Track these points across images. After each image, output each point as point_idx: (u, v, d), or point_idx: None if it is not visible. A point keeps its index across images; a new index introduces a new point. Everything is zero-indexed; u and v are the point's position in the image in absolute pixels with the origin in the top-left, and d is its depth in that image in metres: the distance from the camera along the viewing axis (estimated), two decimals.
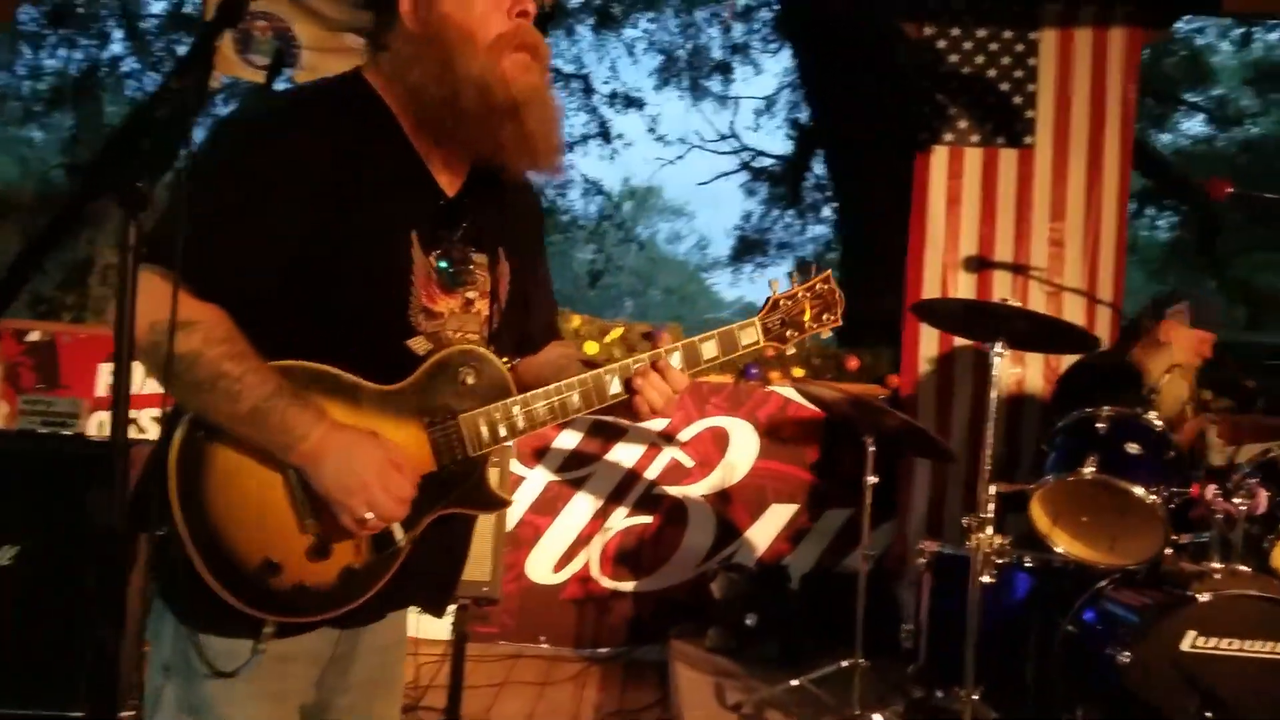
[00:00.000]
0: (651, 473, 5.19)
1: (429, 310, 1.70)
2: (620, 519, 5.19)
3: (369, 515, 1.59)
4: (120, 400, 1.26)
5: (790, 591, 4.80)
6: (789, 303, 1.89)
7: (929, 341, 5.20)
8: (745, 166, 14.03)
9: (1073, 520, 3.38)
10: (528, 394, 1.74)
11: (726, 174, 14.23)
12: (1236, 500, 3.08)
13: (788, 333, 1.89)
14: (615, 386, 1.79)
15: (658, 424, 5.14)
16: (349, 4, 5.01)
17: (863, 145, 7.22)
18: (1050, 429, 3.65)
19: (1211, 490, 3.10)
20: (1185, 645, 2.98)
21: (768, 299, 1.91)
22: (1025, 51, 5.24)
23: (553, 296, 2.09)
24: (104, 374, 4.98)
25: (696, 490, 5.20)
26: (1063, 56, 5.23)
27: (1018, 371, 5.13)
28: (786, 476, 5.23)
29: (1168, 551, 3.21)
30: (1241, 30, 15.75)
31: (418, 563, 1.73)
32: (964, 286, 5.17)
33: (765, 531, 5.23)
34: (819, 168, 12.13)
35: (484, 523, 3.93)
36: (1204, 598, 2.98)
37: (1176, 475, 3.21)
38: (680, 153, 14.94)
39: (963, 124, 5.24)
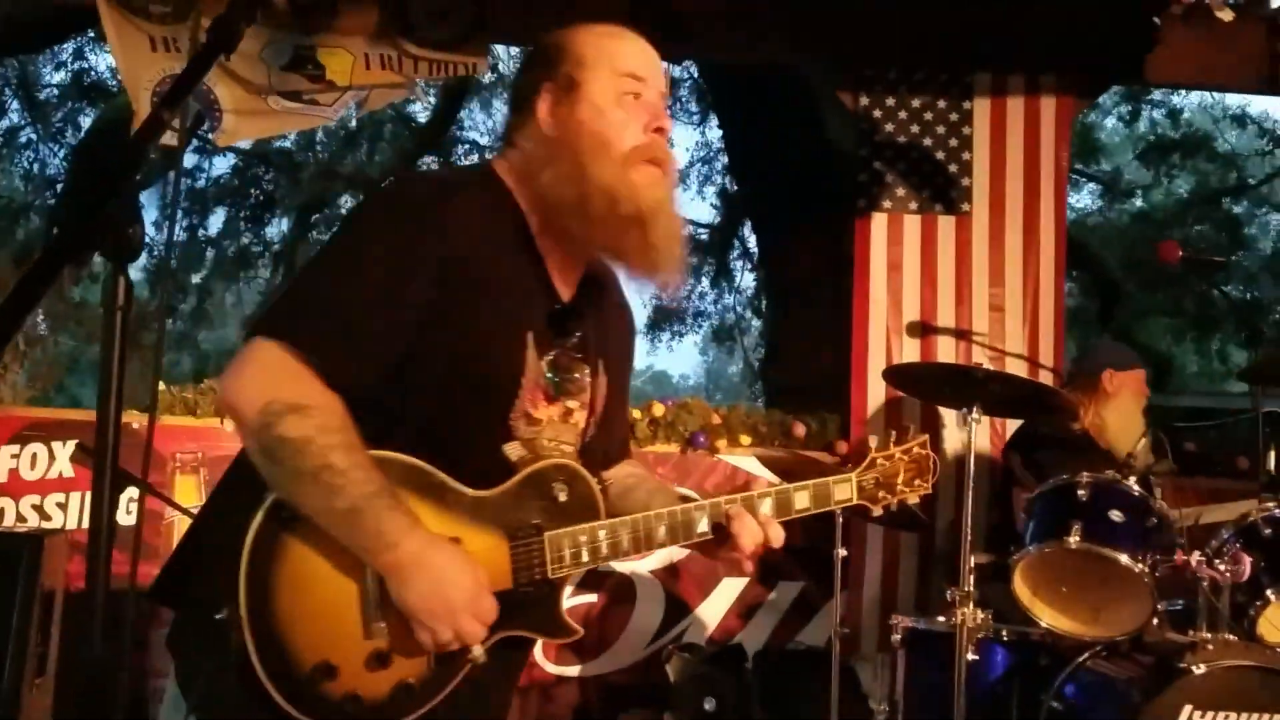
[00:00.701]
0: None
1: (530, 416, 1.68)
2: (565, 599, 4.93)
3: (453, 640, 1.53)
4: (101, 498, 1.06)
5: (747, 672, 4.60)
6: (885, 463, 1.87)
7: (875, 406, 5.12)
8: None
9: (1053, 591, 3.29)
10: (615, 520, 1.69)
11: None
12: (1221, 567, 3.01)
13: (880, 494, 1.87)
14: (703, 525, 1.73)
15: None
16: (311, 77, 4.84)
17: (791, 213, 7.21)
18: (1002, 501, 3.58)
19: (1196, 557, 3.03)
20: None
21: (867, 458, 1.88)
22: (960, 120, 5.28)
23: (628, 411, 2.08)
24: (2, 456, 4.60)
25: (644, 565, 4.99)
26: (996, 125, 5.29)
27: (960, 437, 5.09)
28: None
29: (1154, 622, 3.12)
30: (1129, 107, 16.54)
31: (471, 685, 1.62)
32: (908, 352, 5.13)
33: (716, 607, 5.04)
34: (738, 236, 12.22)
35: None
36: (1199, 670, 2.89)
37: (1160, 542, 3.14)
38: None
39: (900, 191, 5.25)
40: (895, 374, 3.38)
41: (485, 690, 1.70)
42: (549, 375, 1.71)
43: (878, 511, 1.87)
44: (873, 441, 1.88)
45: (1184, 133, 16.73)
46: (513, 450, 1.67)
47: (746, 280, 14.23)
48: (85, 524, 4.62)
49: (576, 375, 1.76)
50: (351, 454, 1.49)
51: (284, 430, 1.46)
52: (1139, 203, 18.46)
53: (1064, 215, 5.33)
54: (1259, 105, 17.24)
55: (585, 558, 1.67)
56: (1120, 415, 3.98)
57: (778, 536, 1.74)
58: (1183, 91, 15.57)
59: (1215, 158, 16.63)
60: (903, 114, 5.27)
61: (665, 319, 15.70)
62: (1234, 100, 16.28)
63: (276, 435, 1.46)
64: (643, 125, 1.68)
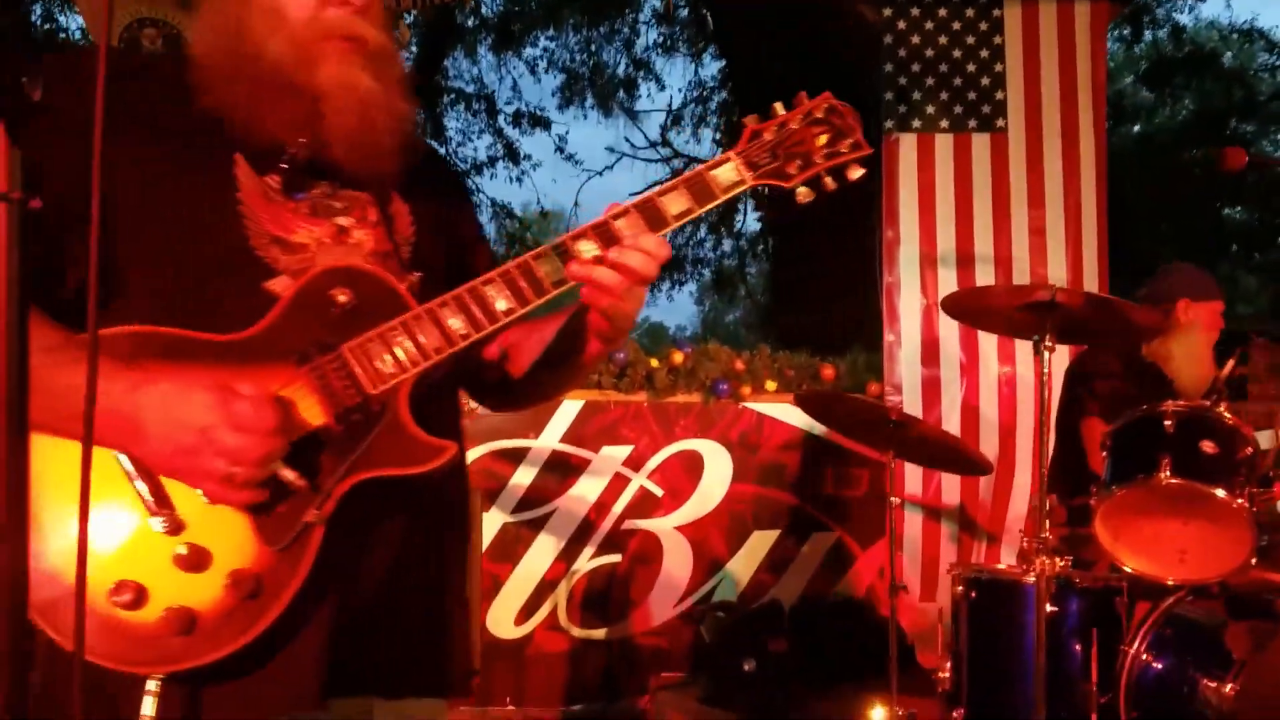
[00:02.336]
0: (618, 507, 4.66)
1: (285, 241, 1.34)
2: (587, 560, 4.65)
3: (233, 468, 1.19)
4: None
5: (785, 629, 4.32)
6: (777, 131, 1.45)
7: (911, 341, 4.80)
8: (677, 175, 13.58)
9: (1134, 532, 2.98)
10: (430, 303, 1.34)
11: (658, 183, 13.73)
12: None
13: (789, 167, 1.44)
14: (549, 268, 1.36)
15: (621, 451, 4.63)
16: None
17: None
18: (1066, 436, 3.26)
19: None
20: None
21: (744, 130, 1.47)
22: (990, 29, 4.91)
23: (488, 263, 1.62)
24: None
25: (669, 522, 4.70)
26: (1029, 34, 4.92)
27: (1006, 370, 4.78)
28: (766, 500, 4.77)
29: (1253, 561, 2.82)
30: (1129, 26, 16.04)
31: (353, 576, 1.28)
32: (944, 283, 4.79)
33: (747, 562, 4.75)
34: None
35: None
36: None
37: (1254, 475, 2.83)
38: (609, 162, 14.37)
39: (930, 109, 4.89)
40: (954, 303, 3.04)
41: (381, 564, 1.35)
42: (285, 193, 1.36)
43: (802, 190, 1.46)
44: (749, 119, 1.48)
45: (1188, 51, 16.25)
46: (279, 285, 1.32)
47: (747, 223, 13.84)
48: None
49: (333, 198, 1.40)
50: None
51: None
52: (1139, 126, 18.05)
53: (1104, 128, 4.96)
54: (1269, 18, 16.74)
55: (408, 356, 1.31)
56: (1189, 349, 3.64)
57: (656, 247, 1.37)
58: (1188, 6, 15.13)
59: (1221, 76, 16.18)
60: (929, 24, 4.90)
61: (664, 268, 15.28)
62: (1241, 12, 15.82)
63: None
64: None
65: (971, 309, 3.03)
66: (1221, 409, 2.87)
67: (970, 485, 4.73)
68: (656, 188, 1.43)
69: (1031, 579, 3.01)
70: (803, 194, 1.47)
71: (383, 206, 1.45)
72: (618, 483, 4.65)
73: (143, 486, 1.21)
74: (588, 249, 1.37)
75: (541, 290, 1.36)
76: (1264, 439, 3.16)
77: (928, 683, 3.74)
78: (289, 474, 1.23)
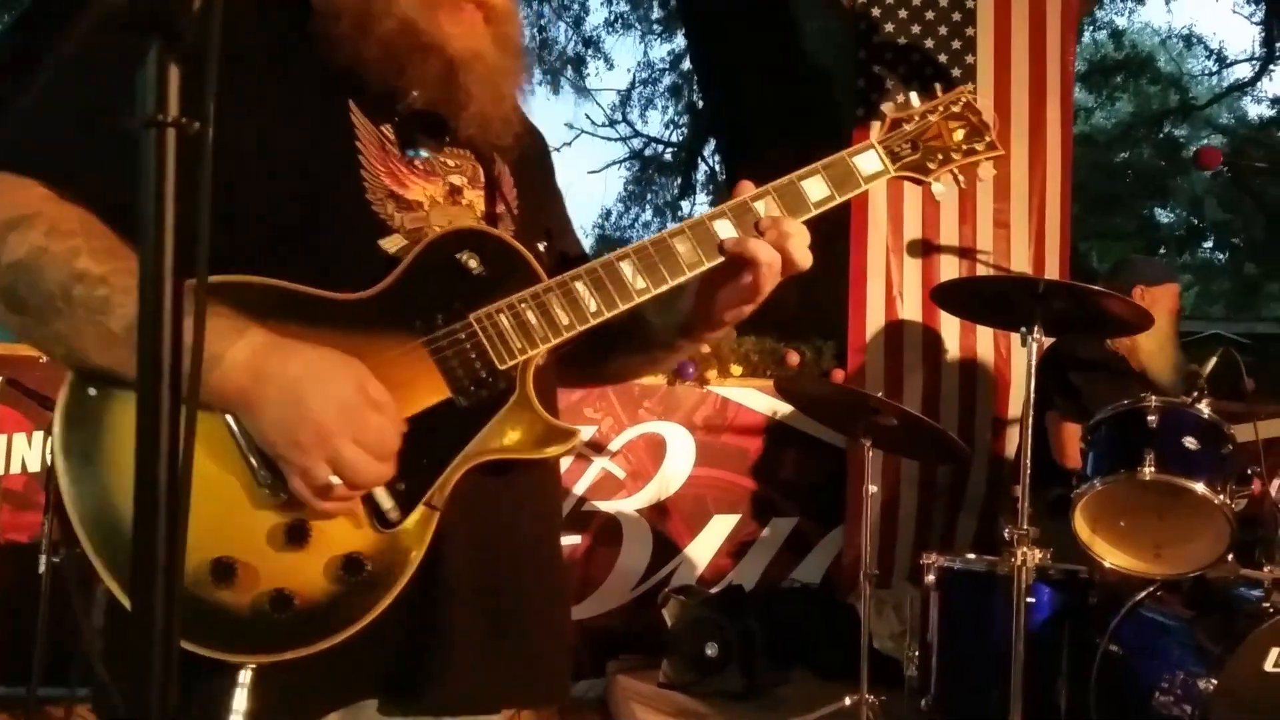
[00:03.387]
0: (579, 487, 4.60)
1: (400, 197, 1.24)
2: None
3: (333, 479, 1.07)
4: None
5: (748, 613, 4.30)
6: (917, 123, 1.44)
7: (875, 331, 4.80)
8: (636, 155, 13.47)
9: (1111, 526, 3.00)
10: (562, 275, 1.25)
11: (619, 162, 13.60)
12: None
13: (929, 161, 1.42)
14: (686, 247, 1.28)
15: (585, 431, 4.56)
16: None
17: (767, 128, 6.80)
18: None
19: (1276, 486, 2.76)
20: (1270, 665, 2.63)
21: (883, 120, 1.45)
22: (963, 20, 4.91)
23: (577, 243, 1.58)
24: None
25: (630, 504, 4.65)
26: (1000, 26, 4.94)
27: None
28: (728, 485, 4.74)
29: (1229, 558, 2.86)
30: None
31: (465, 564, 1.18)
32: (910, 272, 4.80)
33: (707, 546, 4.73)
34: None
35: None
36: None
37: (1234, 472, 2.86)
38: (567, 139, 14.21)
39: (901, 98, 4.85)
40: (942, 292, 3.03)
41: (498, 550, 1.25)
42: (401, 147, 1.27)
43: (940, 184, 1.44)
44: (887, 107, 1.47)
45: (1127, 54, 16.59)
46: (393, 244, 1.23)
47: (697, 206, 13.81)
48: (15, 469, 4.14)
49: (445, 155, 1.32)
50: (112, 257, 1.06)
51: (9, 254, 1.05)
52: (1076, 126, 18.39)
53: (1070, 124, 5.01)
54: (1207, 25, 17.16)
55: (539, 331, 1.22)
56: (1153, 335, 3.68)
57: (798, 234, 1.30)
58: (1128, 9, 15.42)
59: (1159, 79, 16.55)
60: (902, 12, 4.88)
61: (608, 247, 15.24)
62: (1180, 18, 16.18)
63: (4, 265, 1.05)
64: None
65: (960, 298, 3.02)
66: (1203, 405, 2.89)
67: (929, 474, 4.75)
68: (795, 174, 1.35)
69: (1003, 570, 3.03)
70: (939, 190, 1.45)
71: (490, 170, 1.36)
72: (579, 463, 4.58)
73: (254, 455, 1.09)
74: (724, 229, 1.30)
75: (679, 270, 1.29)
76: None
77: (891, 670, 3.76)
78: (388, 503, 1.13)
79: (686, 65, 11.27)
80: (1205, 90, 16.21)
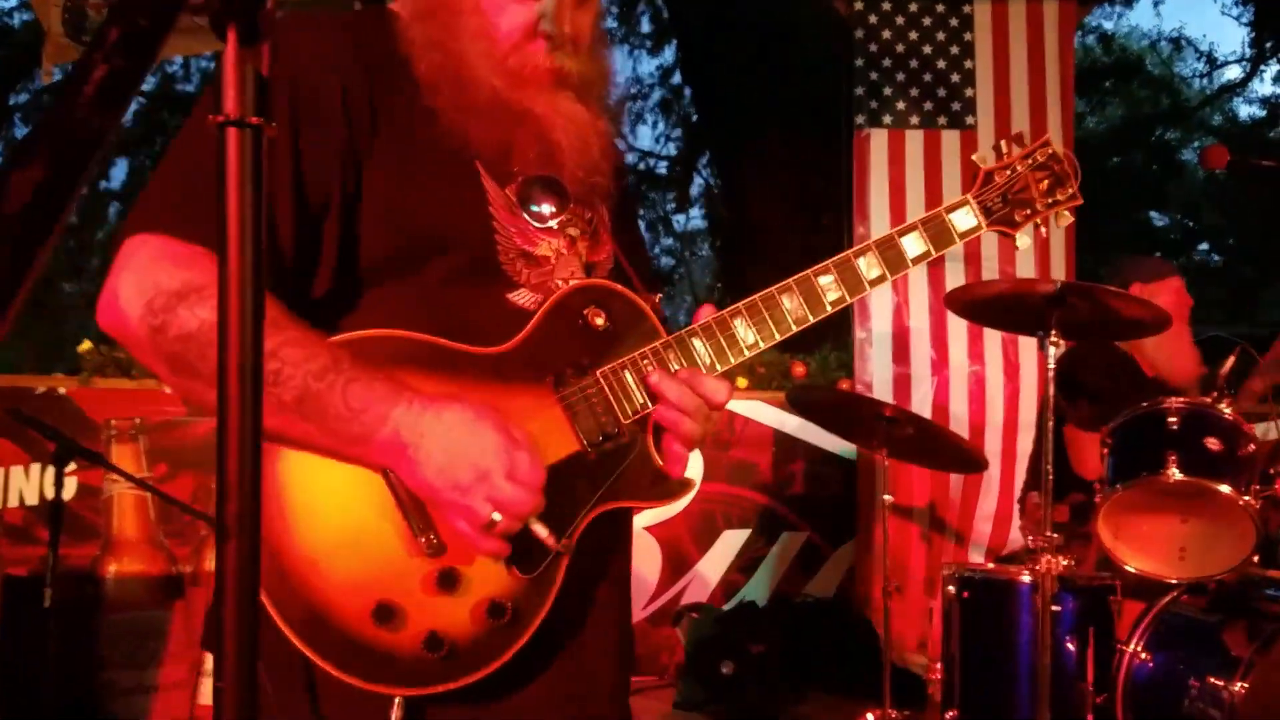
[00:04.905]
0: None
1: (529, 255, 1.33)
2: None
3: (495, 515, 1.16)
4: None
5: (763, 630, 4.25)
6: (1008, 176, 1.47)
7: (882, 338, 4.77)
8: (630, 171, 13.44)
9: (1133, 530, 2.95)
10: (680, 331, 1.33)
11: None
12: None
13: (1017, 214, 1.46)
14: (792, 304, 1.35)
15: None
16: None
17: (762, 139, 6.78)
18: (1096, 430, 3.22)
19: None
20: None
21: (976, 173, 1.48)
22: (961, 26, 4.90)
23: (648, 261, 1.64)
24: None
25: (639, 522, 4.60)
26: (998, 31, 4.93)
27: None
28: (737, 499, 4.69)
29: (1255, 559, 2.81)
30: None
31: (580, 587, 1.27)
32: (915, 278, 4.77)
33: (717, 562, 4.68)
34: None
35: None
36: None
37: (1257, 472, 2.81)
38: None
39: (901, 105, 4.85)
40: (956, 299, 2.98)
41: (601, 590, 1.35)
42: (525, 206, 1.35)
43: (1025, 240, 1.48)
44: (979, 158, 1.50)
45: (1117, 58, 16.63)
46: (521, 297, 1.32)
47: (693, 220, 13.79)
48: (13, 502, 4.09)
49: (557, 198, 1.38)
50: (278, 329, 1.14)
51: (179, 326, 1.13)
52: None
53: (1071, 125, 4.99)
54: (1196, 28, 17.19)
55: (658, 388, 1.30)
56: (1161, 334, 3.62)
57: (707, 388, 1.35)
58: (1116, 14, 15.45)
59: (1149, 83, 16.58)
60: (900, 19, 4.87)
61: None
62: (1170, 21, 16.25)
63: (173, 336, 1.13)
64: (525, 22, 1.35)
65: (974, 304, 2.97)
66: (1223, 405, 2.85)
67: (941, 483, 4.71)
68: (895, 229, 1.41)
69: (1026, 578, 2.98)
70: (1024, 243, 1.48)
71: (595, 218, 1.44)
72: None
73: (408, 506, 1.18)
74: (829, 286, 1.36)
75: (786, 328, 1.35)
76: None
77: (911, 686, 3.71)
78: (542, 530, 1.20)
79: (676, 79, 11.36)
80: (1196, 93, 16.26)
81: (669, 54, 11.68)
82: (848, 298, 1.38)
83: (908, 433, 3.21)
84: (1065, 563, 2.80)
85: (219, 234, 0.66)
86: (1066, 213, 1.50)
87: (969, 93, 4.86)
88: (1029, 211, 1.47)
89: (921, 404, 4.71)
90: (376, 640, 1.17)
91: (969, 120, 4.84)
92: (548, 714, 1.30)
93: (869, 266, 1.37)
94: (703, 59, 7.44)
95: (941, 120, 4.83)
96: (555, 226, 1.36)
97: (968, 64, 4.87)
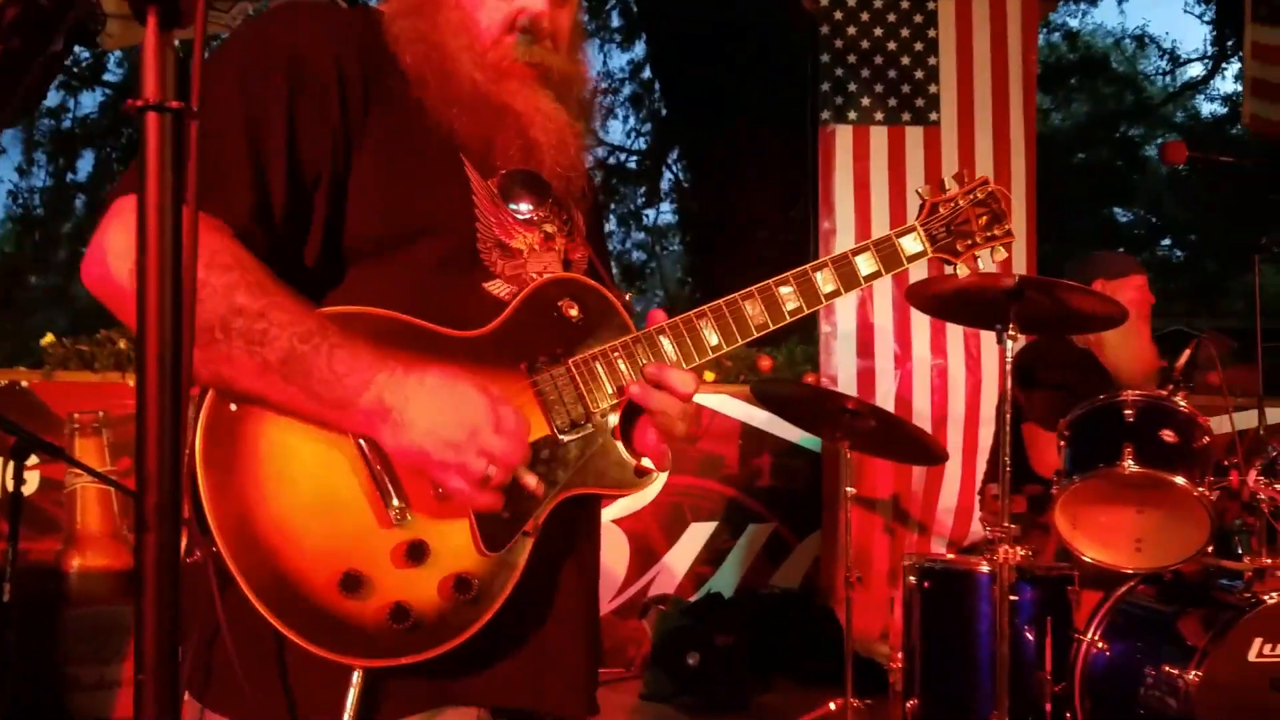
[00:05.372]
0: None
1: (505, 246, 1.37)
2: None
3: (490, 468, 1.18)
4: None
5: (729, 621, 4.28)
6: (951, 208, 1.57)
7: (847, 332, 4.81)
8: (599, 165, 13.45)
9: (1091, 522, 3.00)
10: (649, 328, 1.39)
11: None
12: (1277, 485, 2.76)
13: (958, 244, 1.56)
14: (755, 309, 1.42)
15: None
16: None
17: (731, 134, 6.80)
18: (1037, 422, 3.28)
19: (1254, 476, 2.77)
20: (1253, 655, 2.63)
21: (922, 204, 1.58)
22: (925, 22, 4.94)
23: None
24: None
25: (607, 514, 4.59)
26: (962, 28, 4.97)
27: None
28: (704, 492, 4.73)
29: (1210, 549, 2.87)
30: None
31: (546, 569, 1.30)
32: None
33: (684, 554, 4.71)
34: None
35: None
36: (1271, 599, 2.64)
37: (1212, 463, 2.87)
38: None
39: (866, 101, 4.89)
40: (915, 293, 3.02)
41: (567, 576, 1.37)
42: (506, 200, 1.40)
43: (963, 269, 1.57)
44: (920, 190, 1.60)
45: (1082, 55, 16.79)
46: (496, 288, 1.36)
47: (663, 215, 13.81)
48: None
49: (536, 194, 1.42)
50: (265, 292, 1.17)
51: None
52: (1038, 128, 18.55)
53: (1034, 122, 5.05)
54: (1159, 25, 17.38)
55: (630, 376, 1.35)
56: (1118, 330, 3.67)
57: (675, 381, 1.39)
58: (1081, 11, 15.60)
59: (1113, 80, 16.76)
60: (865, 15, 4.90)
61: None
62: (1133, 18, 16.39)
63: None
64: (506, 15, 1.38)
65: (935, 298, 3.01)
66: (1179, 398, 2.90)
67: (904, 475, 4.76)
68: (849, 249, 1.50)
69: (985, 568, 3.02)
70: (963, 272, 1.56)
71: (572, 218, 1.48)
72: None
73: (382, 475, 1.20)
74: (788, 296, 1.43)
75: (747, 332, 1.42)
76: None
77: (874, 675, 3.75)
78: (532, 479, 1.24)
79: (647, 74, 11.39)
80: (1159, 90, 16.44)
81: (640, 48, 11.77)
82: (805, 308, 1.45)
83: (870, 425, 3.24)
84: (1023, 553, 2.84)
85: (138, 223, 0.66)
86: (1002, 249, 1.59)
87: (933, 89, 4.90)
88: (970, 243, 1.57)
89: (885, 397, 4.76)
90: (343, 610, 1.17)
91: (933, 116, 4.89)
92: (508, 694, 1.31)
93: (824, 281, 1.45)
94: (672, 54, 7.46)
95: (905, 116, 4.87)
96: (534, 220, 1.40)
97: (931, 61, 4.92)
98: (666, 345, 1.37)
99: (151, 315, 0.61)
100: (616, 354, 1.35)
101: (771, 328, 1.44)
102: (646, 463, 1.37)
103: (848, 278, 1.46)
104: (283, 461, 1.19)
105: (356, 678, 1.18)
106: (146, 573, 0.62)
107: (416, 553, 1.21)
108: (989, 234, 1.58)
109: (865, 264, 1.48)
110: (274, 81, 1.26)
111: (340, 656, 1.17)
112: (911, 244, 1.53)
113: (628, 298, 1.45)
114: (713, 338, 1.40)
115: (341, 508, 1.20)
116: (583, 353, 1.34)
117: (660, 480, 1.40)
